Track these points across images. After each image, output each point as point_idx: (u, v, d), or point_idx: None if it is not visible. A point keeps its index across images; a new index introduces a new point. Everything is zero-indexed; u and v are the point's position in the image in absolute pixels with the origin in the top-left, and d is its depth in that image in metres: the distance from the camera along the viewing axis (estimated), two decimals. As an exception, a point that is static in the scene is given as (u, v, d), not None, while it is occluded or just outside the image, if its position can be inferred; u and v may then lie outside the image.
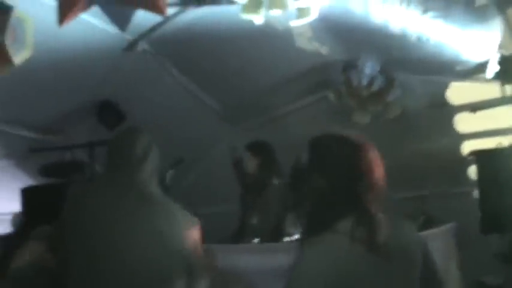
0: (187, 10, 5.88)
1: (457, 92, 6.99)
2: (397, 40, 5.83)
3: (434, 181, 7.34)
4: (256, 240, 6.11)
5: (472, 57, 5.98)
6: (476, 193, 6.54)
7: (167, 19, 5.90)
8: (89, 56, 6.16)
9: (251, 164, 6.44)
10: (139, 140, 3.45)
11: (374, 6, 5.45)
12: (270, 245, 5.84)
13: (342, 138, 2.55)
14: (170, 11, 5.49)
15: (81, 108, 7.30)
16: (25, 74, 5.32)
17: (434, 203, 7.11)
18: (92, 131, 7.33)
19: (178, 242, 3.26)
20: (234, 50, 6.57)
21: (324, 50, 6.37)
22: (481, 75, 6.18)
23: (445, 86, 7.00)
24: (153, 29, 6.24)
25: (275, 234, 5.92)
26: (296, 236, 5.49)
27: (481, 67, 6.05)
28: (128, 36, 6.30)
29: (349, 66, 6.88)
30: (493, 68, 5.98)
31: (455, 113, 7.16)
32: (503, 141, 6.42)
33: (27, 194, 6.73)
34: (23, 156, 7.34)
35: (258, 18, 4.78)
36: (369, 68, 6.77)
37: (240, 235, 6.37)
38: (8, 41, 4.32)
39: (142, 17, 5.14)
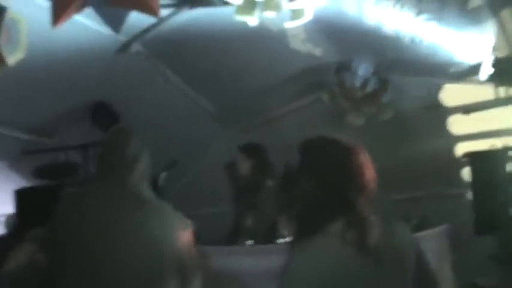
0: (180, 11, 5.88)
1: (451, 94, 7.00)
2: (391, 42, 5.84)
3: (428, 183, 7.36)
4: (250, 241, 6.10)
5: (465, 59, 5.99)
6: (470, 195, 6.54)
7: (161, 20, 5.90)
8: (83, 57, 6.15)
9: (244, 166, 6.43)
10: (130, 141, 3.44)
11: (368, 8, 5.46)
12: (263, 247, 5.84)
13: (333, 141, 2.55)
14: (164, 12, 5.51)
15: (75, 109, 7.29)
16: (19, 75, 5.31)
17: (428, 204, 7.12)
18: (86, 132, 7.32)
19: (170, 244, 3.26)
20: (228, 51, 6.57)
21: (318, 51, 6.38)
22: (475, 77, 6.19)
23: (438, 88, 7.01)
24: (147, 30, 6.23)
25: (269, 236, 5.92)
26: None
27: (475, 69, 6.06)
28: (122, 37, 6.30)
29: (343, 67, 6.90)
30: (486, 70, 5.99)
31: (449, 115, 7.17)
32: (497, 142, 6.42)
33: (20, 196, 6.71)
34: (16, 157, 7.33)
35: (252, 20, 4.78)
36: (363, 69, 6.79)
37: (234, 237, 6.36)
38: (2, 42, 4.32)
39: (136, 19, 5.14)
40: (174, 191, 6.92)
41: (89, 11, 4.47)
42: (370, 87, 6.92)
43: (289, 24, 5.00)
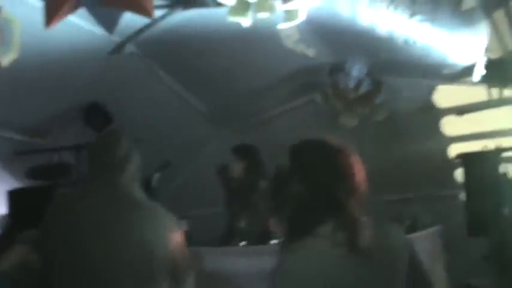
0: (174, 12, 5.88)
1: (444, 95, 7.01)
2: (385, 43, 5.85)
3: (421, 184, 7.37)
4: (243, 243, 6.10)
5: (459, 60, 6.01)
6: (463, 196, 6.56)
7: (154, 21, 5.89)
8: (76, 58, 6.14)
9: (237, 167, 6.42)
10: (120, 142, 3.43)
11: (361, 10, 5.47)
12: (257, 248, 5.84)
13: (322, 143, 2.55)
14: (157, 13, 5.49)
15: (68, 110, 7.27)
16: (12, 75, 5.30)
17: (421, 205, 7.13)
18: (79, 133, 7.30)
19: (162, 245, 3.25)
20: (222, 52, 6.57)
21: (311, 52, 6.39)
22: (468, 78, 6.20)
23: (432, 89, 7.02)
24: (141, 31, 6.22)
25: (263, 237, 5.92)
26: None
27: (468, 70, 6.07)
28: (115, 38, 6.29)
29: (337, 68, 6.91)
30: (479, 71, 6.00)
31: (442, 116, 7.18)
32: (490, 144, 6.44)
33: (13, 197, 6.69)
34: (9, 158, 7.30)
35: (245, 21, 4.78)
36: (356, 70, 6.80)
37: (228, 238, 6.35)
38: (-5, 43, 4.31)
39: (130, 19, 5.14)
40: (167, 192, 6.93)
41: (82, 11, 4.47)
42: (364, 88, 6.93)
43: (282, 26, 5.01)
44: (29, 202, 6.12)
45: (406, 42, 5.82)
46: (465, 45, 5.82)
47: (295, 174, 2.51)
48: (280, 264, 2.41)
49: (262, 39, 5.94)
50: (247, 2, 4.65)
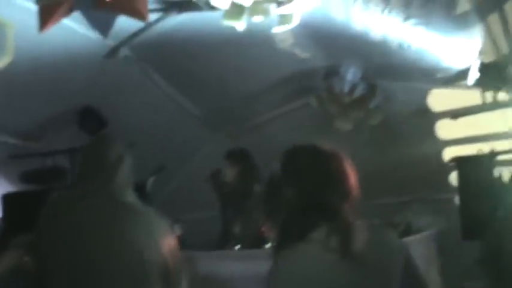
0: (169, 16, 5.87)
1: (439, 99, 7.02)
2: (379, 47, 5.86)
3: (416, 187, 7.38)
4: (237, 246, 6.10)
5: (453, 64, 6.01)
6: (457, 199, 6.57)
7: (149, 25, 5.89)
8: (71, 61, 6.13)
9: (230, 172, 6.41)
10: (112, 146, 3.43)
11: (355, 13, 5.47)
12: (252, 252, 5.84)
13: (314, 149, 2.55)
14: (152, 17, 5.49)
15: (62, 114, 7.27)
16: (6, 79, 5.29)
17: (415, 209, 7.13)
18: (74, 137, 7.29)
19: (154, 249, 3.25)
20: (216, 56, 6.57)
21: (306, 56, 6.39)
22: (462, 82, 6.21)
23: (426, 93, 7.03)
24: (135, 35, 6.22)
25: (257, 241, 5.91)
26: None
27: (462, 74, 6.07)
28: (110, 42, 6.28)
29: (331, 72, 6.91)
30: (474, 75, 6.01)
31: (437, 120, 7.19)
32: (484, 147, 6.45)
33: (7, 201, 6.69)
34: (3, 162, 7.29)
35: (240, 25, 4.78)
36: (351, 74, 6.80)
37: (223, 244, 6.34)
38: (-11, 46, 4.30)
39: (124, 23, 5.12)
40: (162, 196, 6.92)
41: (76, 15, 4.46)
42: (358, 92, 6.93)
43: (277, 29, 5.00)
44: (23, 206, 6.12)
45: (400, 46, 5.82)
46: (459, 48, 5.83)
47: (287, 180, 2.51)
48: (273, 270, 2.41)
49: (256, 43, 5.94)
50: (242, 5, 4.65)
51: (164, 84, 7.29)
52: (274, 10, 4.70)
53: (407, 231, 6.29)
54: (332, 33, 5.68)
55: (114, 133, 3.67)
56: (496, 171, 6.26)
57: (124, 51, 6.57)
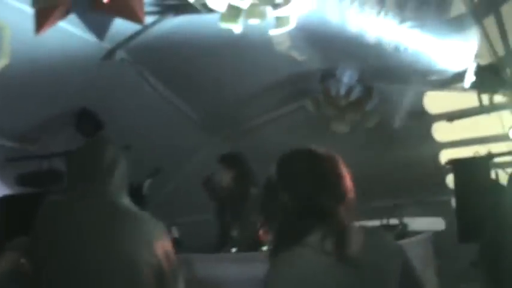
0: (165, 19, 5.87)
1: (435, 101, 7.03)
2: (375, 50, 5.86)
3: (412, 190, 7.38)
4: (234, 249, 6.09)
5: (449, 66, 6.02)
6: (453, 201, 6.57)
7: (145, 28, 5.89)
8: (67, 64, 6.12)
9: (226, 177, 6.40)
10: (107, 150, 3.43)
11: (351, 16, 5.48)
12: (248, 254, 5.83)
13: (309, 153, 2.56)
14: (148, 19, 5.49)
15: (58, 116, 7.26)
16: (2, 82, 5.29)
17: (412, 211, 7.14)
18: (70, 139, 7.28)
19: (149, 252, 3.25)
20: (213, 58, 6.57)
21: (302, 59, 6.39)
22: (459, 85, 6.22)
23: (422, 95, 7.04)
24: (131, 37, 6.21)
25: (253, 244, 5.91)
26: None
27: (458, 76, 6.08)
28: (106, 44, 6.27)
29: (327, 75, 6.91)
30: (470, 77, 6.02)
31: (433, 122, 7.20)
32: (481, 150, 6.46)
33: (3, 203, 6.68)
34: (-1, 165, 7.29)
35: (236, 27, 4.79)
36: (347, 77, 6.81)
37: (220, 248, 6.33)
38: (-15, 49, 4.30)
39: (121, 26, 5.13)
40: (158, 199, 6.92)
41: (73, 17, 4.46)
42: (355, 95, 6.93)
43: (273, 32, 5.01)
44: (19, 209, 6.11)
45: (396, 48, 5.83)
46: (455, 51, 5.84)
47: (283, 184, 2.51)
48: (270, 273, 2.41)
49: (253, 46, 5.94)
50: (239, 8, 4.66)
51: (161, 87, 7.29)
52: (271, 13, 4.71)
53: (404, 234, 6.29)
54: (328, 35, 5.69)
55: (109, 136, 3.66)
56: (492, 174, 6.26)
57: (120, 54, 6.56)
